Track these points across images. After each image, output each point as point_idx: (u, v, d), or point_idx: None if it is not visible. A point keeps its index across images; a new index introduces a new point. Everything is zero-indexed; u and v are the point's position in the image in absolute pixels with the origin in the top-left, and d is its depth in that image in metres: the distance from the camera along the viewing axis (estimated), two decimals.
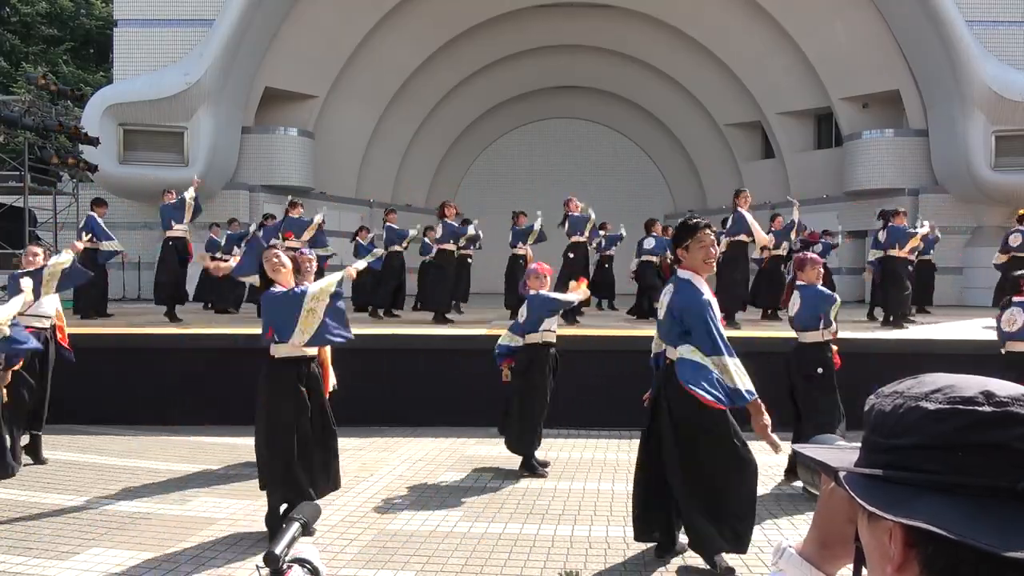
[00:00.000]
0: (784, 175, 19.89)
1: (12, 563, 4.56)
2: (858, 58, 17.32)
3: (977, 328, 10.47)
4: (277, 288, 4.96)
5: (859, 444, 0.80)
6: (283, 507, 4.92)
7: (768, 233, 11.94)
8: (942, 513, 0.66)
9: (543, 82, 22.25)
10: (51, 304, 6.90)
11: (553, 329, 6.62)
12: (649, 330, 5.20)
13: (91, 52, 28.82)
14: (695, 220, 4.40)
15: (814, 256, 6.37)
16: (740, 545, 4.34)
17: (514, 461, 6.72)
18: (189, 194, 11.36)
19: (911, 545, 0.69)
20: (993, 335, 6.62)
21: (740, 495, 4.35)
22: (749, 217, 10.54)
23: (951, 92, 15.83)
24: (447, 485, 6.28)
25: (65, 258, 6.84)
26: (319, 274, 6.80)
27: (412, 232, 12.91)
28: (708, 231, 4.37)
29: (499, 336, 6.84)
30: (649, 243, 12.74)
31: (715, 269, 4.51)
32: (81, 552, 4.74)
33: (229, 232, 13.82)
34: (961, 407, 0.70)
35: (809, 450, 0.86)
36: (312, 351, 5.14)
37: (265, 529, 5.02)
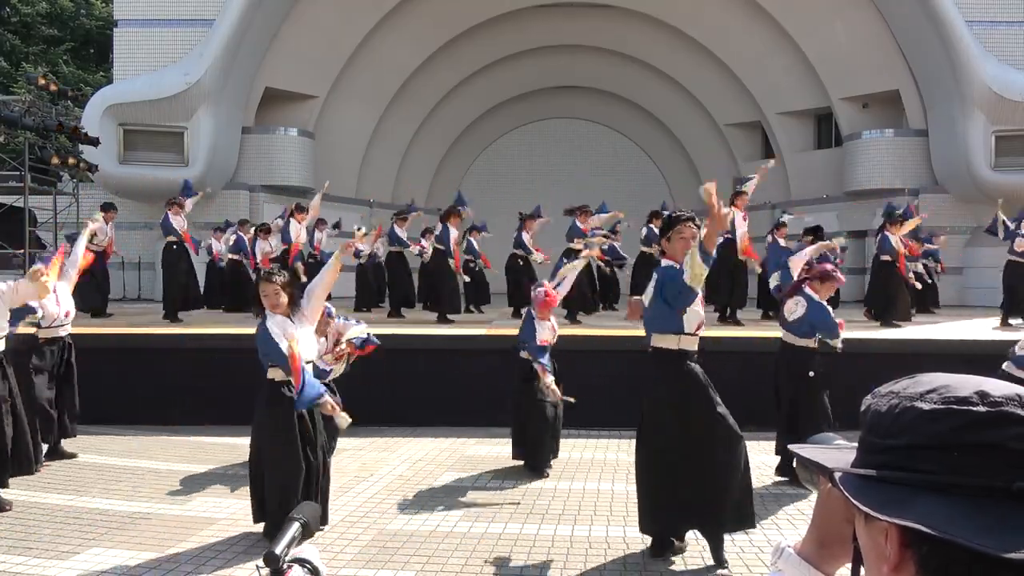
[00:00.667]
0: (784, 175, 19.88)
1: (12, 563, 4.57)
2: (858, 58, 17.32)
3: (977, 328, 10.47)
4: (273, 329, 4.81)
5: (856, 444, 0.81)
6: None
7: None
8: (937, 513, 0.66)
9: (543, 82, 22.24)
10: (67, 305, 6.93)
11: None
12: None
13: (91, 52, 28.83)
14: (678, 213, 4.59)
15: (839, 276, 6.19)
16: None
17: (514, 461, 6.73)
18: (191, 204, 11.55)
19: (906, 545, 0.69)
20: (994, 335, 6.61)
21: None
22: (738, 221, 10.69)
23: (951, 92, 15.83)
24: (447, 485, 6.28)
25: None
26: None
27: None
28: (690, 224, 4.49)
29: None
30: (643, 233, 12.80)
31: None
32: (81, 552, 4.74)
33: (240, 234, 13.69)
34: (956, 407, 0.70)
35: (806, 450, 0.86)
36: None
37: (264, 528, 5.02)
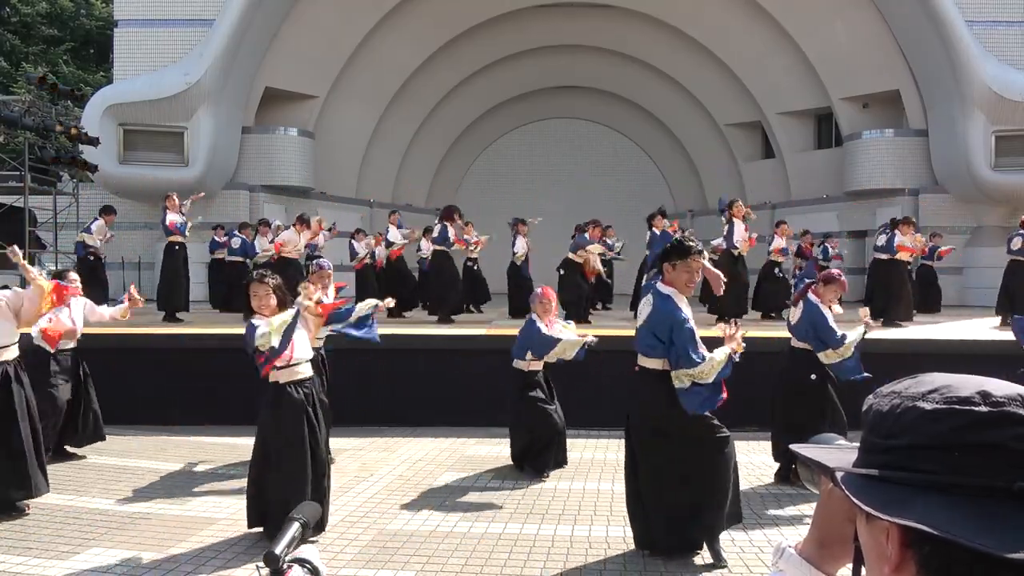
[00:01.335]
0: (784, 175, 19.89)
1: (12, 563, 4.57)
2: (858, 58, 17.32)
3: (977, 328, 10.47)
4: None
5: (858, 444, 0.81)
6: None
7: (773, 239, 12.35)
8: (938, 513, 0.66)
9: (543, 82, 22.24)
10: (78, 317, 6.96)
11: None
12: None
13: (91, 52, 28.84)
14: (690, 243, 4.52)
15: (843, 280, 6.15)
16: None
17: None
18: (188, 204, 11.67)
19: (907, 545, 0.69)
20: (995, 335, 6.61)
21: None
22: (740, 228, 10.90)
23: (951, 92, 15.83)
24: (447, 485, 6.28)
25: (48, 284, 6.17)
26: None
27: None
28: (699, 258, 4.51)
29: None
30: (647, 237, 12.78)
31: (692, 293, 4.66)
32: (81, 552, 4.74)
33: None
34: (957, 407, 0.70)
35: (808, 450, 0.86)
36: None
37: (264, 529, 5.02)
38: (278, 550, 1.42)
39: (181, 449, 7.51)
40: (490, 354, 8.33)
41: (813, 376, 6.01)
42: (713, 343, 4.56)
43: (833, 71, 17.87)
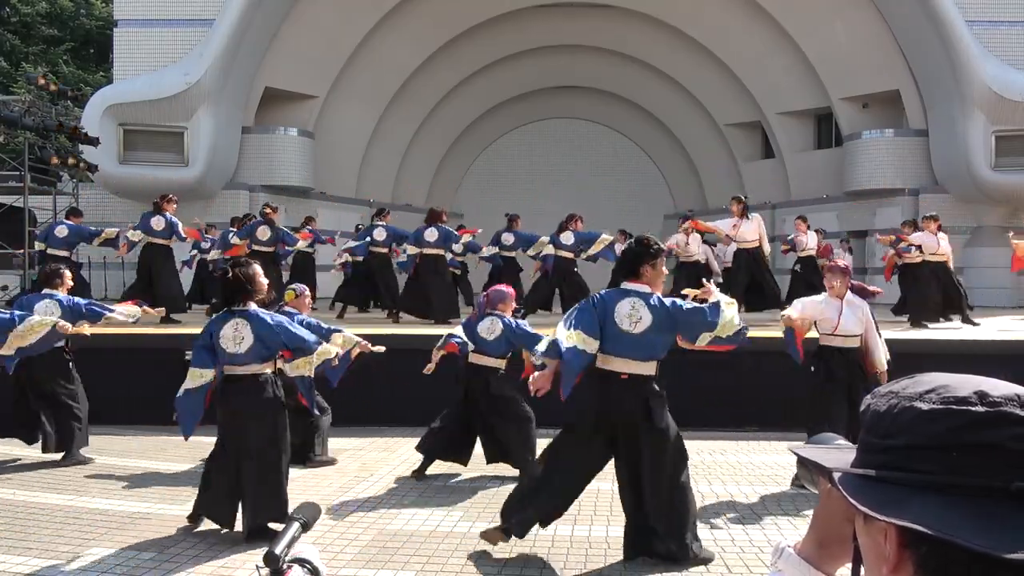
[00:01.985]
0: (784, 175, 19.89)
1: (12, 563, 4.57)
2: (858, 58, 17.32)
3: (976, 328, 10.47)
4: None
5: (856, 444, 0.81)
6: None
7: (791, 236, 12.71)
8: (935, 513, 0.66)
9: (543, 82, 22.24)
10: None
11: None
12: None
13: (91, 52, 28.84)
14: (657, 246, 4.65)
15: (834, 262, 6.22)
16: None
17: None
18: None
19: (905, 545, 0.69)
20: (994, 335, 6.61)
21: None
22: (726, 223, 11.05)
23: (951, 92, 15.83)
24: (447, 485, 6.28)
25: (48, 319, 6.35)
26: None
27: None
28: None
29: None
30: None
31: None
32: (81, 552, 4.74)
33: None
34: (955, 407, 0.70)
35: (806, 450, 0.86)
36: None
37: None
38: (278, 550, 1.42)
39: (181, 449, 7.49)
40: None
41: (812, 368, 6.04)
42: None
43: (833, 71, 17.87)
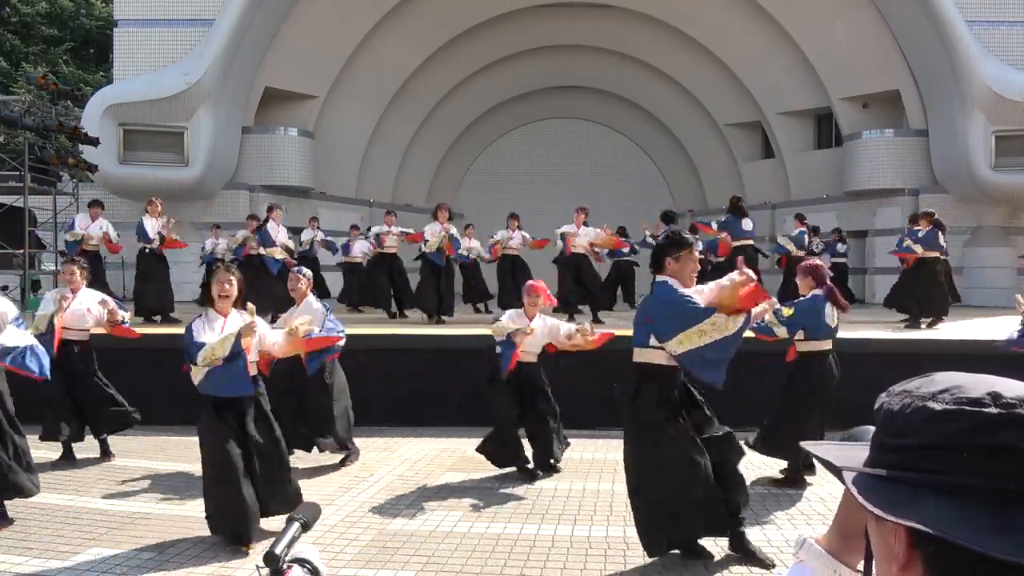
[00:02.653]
0: (784, 175, 19.90)
1: (12, 563, 4.56)
2: (858, 58, 17.32)
3: (977, 328, 10.46)
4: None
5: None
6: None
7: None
8: (946, 514, 0.66)
9: (543, 82, 22.24)
10: (93, 306, 7.01)
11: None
12: None
13: (91, 52, 28.85)
14: (687, 236, 4.64)
15: (815, 268, 6.23)
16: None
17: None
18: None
19: (914, 545, 0.69)
20: (994, 335, 6.61)
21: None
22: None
23: (951, 92, 15.83)
24: (447, 485, 6.28)
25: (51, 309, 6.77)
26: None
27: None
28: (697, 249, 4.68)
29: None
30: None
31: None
32: (81, 552, 4.73)
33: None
34: (968, 408, 0.70)
35: (818, 448, 0.86)
36: None
37: (264, 528, 5.01)
38: (278, 550, 1.42)
39: (181, 449, 7.50)
40: (491, 354, 8.31)
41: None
42: None
43: (833, 71, 17.87)
